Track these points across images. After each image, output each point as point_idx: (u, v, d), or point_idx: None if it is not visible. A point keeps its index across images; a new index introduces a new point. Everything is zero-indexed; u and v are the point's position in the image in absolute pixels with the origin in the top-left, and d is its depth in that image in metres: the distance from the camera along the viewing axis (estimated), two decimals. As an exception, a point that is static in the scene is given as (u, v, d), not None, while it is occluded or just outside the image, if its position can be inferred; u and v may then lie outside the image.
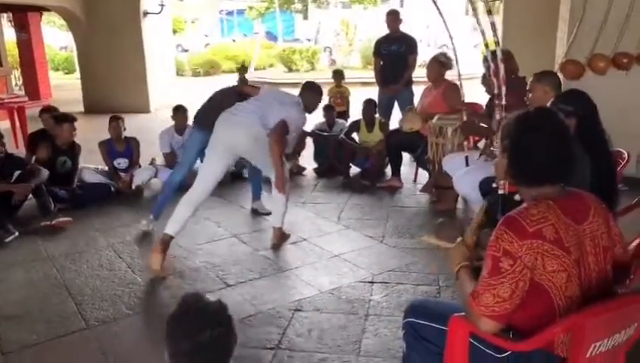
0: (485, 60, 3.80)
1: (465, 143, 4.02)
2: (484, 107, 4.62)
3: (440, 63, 4.73)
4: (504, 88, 3.14)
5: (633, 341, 1.56)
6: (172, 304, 2.93)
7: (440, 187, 4.59)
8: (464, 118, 4.12)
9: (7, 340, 2.76)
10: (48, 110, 5.63)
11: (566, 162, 1.52)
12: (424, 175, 5.24)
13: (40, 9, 11.44)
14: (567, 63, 4.85)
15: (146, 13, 10.26)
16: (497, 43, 4.06)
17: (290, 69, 16.72)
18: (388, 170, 5.65)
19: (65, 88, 13.98)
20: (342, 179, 5.50)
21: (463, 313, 1.69)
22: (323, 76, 15.49)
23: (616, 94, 4.92)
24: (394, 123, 5.90)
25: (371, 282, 3.27)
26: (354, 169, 5.72)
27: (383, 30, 6.61)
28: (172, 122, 5.61)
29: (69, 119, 4.98)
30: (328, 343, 2.64)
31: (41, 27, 12.48)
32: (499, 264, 1.46)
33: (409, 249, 3.76)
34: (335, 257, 3.66)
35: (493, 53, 3.61)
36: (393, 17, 6.16)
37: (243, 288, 3.27)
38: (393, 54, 6.14)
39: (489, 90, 4.50)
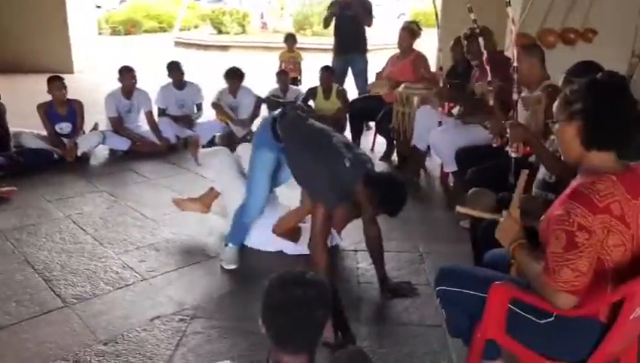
0: (465, 36, 3.86)
1: (440, 109, 4.09)
2: (443, 76, 4.69)
3: (412, 32, 4.75)
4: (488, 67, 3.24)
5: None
6: (153, 277, 2.88)
7: (403, 155, 4.67)
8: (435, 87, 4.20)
9: (-24, 322, 2.52)
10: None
11: (637, 125, 1.55)
12: (381, 144, 5.30)
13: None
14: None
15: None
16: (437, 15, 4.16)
17: (220, 31, 16.10)
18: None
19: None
20: (299, 147, 5.43)
21: (502, 281, 1.76)
22: (255, 39, 15.16)
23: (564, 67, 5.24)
24: (351, 91, 5.91)
25: (355, 250, 3.30)
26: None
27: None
28: (118, 85, 5.28)
29: None
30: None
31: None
32: (575, 238, 1.47)
33: (383, 217, 3.81)
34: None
35: (472, 32, 3.70)
36: None
37: (227, 259, 3.18)
38: (348, 19, 6.03)
39: (457, 58, 4.61)
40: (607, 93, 1.56)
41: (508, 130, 2.63)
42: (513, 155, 2.73)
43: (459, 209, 2.00)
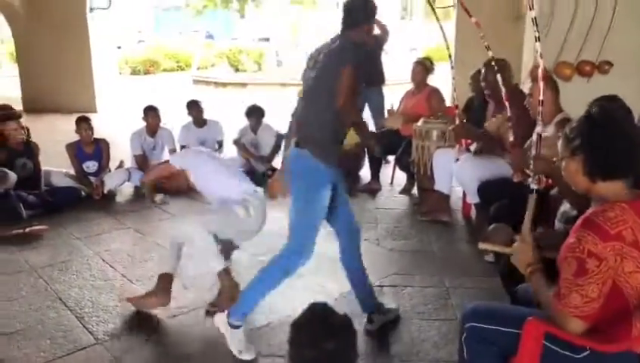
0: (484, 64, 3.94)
1: (457, 146, 4.14)
2: (458, 110, 4.74)
3: (425, 68, 4.87)
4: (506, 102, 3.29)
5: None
6: (183, 314, 2.92)
7: (423, 189, 4.71)
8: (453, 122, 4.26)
9: (12, 359, 2.57)
10: None
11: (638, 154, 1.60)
12: (400, 178, 5.34)
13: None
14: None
15: (92, 9, 9.80)
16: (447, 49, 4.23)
17: (237, 69, 16.48)
18: (362, 173, 5.73)
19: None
20: (320, 182, 5.49)
21: (536, 315, 1.77)
22: (271, 76, 15.43)
23: (579, 100, 5.29)
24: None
25: (380, 286, 3.32)
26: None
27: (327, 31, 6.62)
28: (139, 123, 5.44)
29: (14, 116, 4.57)
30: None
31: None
32: (585, 265, 1.53)
33: (406, 251, 3.85)
34: (337, 262, 3.65)
35: (488, 64, 3.77)
36: None
37: (253, 295, 3.21)
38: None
39: (477, 91, 4.66)
40: (601, 126, 1.63)
41: (531, 163, 2.67)
42: (534, 186, 2.75)
43: (481, 245, 2.04)
